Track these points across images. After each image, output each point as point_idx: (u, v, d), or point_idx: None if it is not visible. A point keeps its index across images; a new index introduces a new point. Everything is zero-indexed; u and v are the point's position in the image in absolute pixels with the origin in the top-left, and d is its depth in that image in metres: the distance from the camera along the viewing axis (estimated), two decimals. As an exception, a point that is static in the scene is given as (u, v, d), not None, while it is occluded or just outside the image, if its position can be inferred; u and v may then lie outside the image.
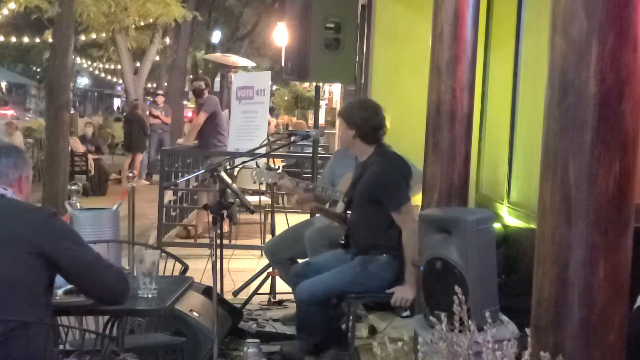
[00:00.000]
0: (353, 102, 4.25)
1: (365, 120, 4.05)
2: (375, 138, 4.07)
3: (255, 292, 5.40)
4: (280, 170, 5.68)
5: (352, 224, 4.16)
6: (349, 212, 4.23)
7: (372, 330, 4.70)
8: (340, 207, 4.40)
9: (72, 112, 15.40)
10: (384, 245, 4.00)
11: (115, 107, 45.15)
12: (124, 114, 19.61)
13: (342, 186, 4.65)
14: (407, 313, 4.65)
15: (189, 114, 20.91)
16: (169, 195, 8.75)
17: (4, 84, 34.10)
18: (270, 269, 5.43)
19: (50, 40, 12.13)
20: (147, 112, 15.85)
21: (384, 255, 4.00)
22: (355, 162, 4.42)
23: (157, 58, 20.33)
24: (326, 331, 4.12)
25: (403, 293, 3.94)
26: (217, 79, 21.61)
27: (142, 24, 16.16)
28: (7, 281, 2.50)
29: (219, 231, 4.03)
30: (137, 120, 15.02)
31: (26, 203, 2.71)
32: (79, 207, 4.93)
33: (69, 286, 2.84)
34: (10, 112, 26.71)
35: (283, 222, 6.61)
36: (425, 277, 3.12)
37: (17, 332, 2.47)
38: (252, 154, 5.18)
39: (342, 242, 4.19)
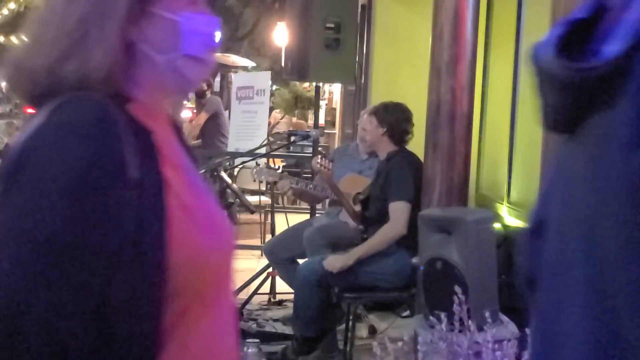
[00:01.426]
0: (388, 104, 4.33)
1: (399, 121, 4.18)
2: (401, 140, 4.22)
3: (255, 292, 5.40)
4: (280, 170, 5.69)
5: (368, 219, 4.21)
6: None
7: (372, 330, 4.70)
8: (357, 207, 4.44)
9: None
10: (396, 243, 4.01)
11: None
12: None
13: (343, 186, 4.65)
14: (407, 313, 4.65)
15: (188, 113, 20.90)
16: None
17: (4, 84, 34.13)
18: (270, 269, 5.43)
19: (50, 40, 12.13)
20: None
21: (393, 254, 4.01)
22: (372, 163, 4.52)
23: (157, 58, 20.34)
24: (319, 322, 4.14)
25: (333, 261, 4.00)
26: (217, 79, 21.62)
27: (142, 24, 16.17)
28: None
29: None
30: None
31: None
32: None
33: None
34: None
35: (283, 222, 6.61)
36: (425, 277, 3.13)
37: None
38: (252, 154, 5.18)
39: (357, 244, 4.22)
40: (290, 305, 5.31)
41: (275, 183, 5.27)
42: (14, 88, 1.12)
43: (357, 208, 4.42)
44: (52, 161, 0.96)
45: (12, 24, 19.67)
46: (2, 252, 0.96)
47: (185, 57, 1.11)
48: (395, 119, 4.20)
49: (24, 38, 1.12)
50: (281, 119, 14.03)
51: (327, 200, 5.09)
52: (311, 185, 4.80)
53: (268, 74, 9.39)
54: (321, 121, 14.18)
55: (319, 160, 4.66)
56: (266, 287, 5.54)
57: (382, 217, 4.10)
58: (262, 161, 7.71)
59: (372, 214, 4.18)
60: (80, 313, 0.94)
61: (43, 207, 0.94)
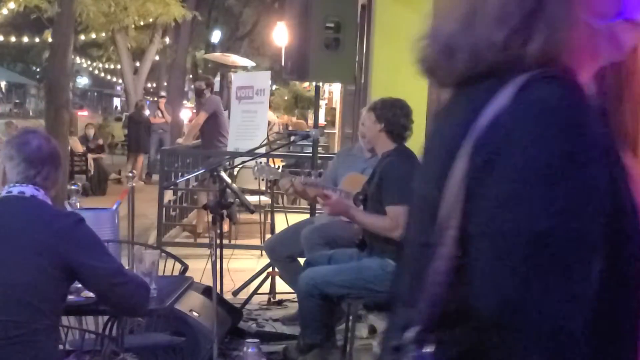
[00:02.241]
0: (386, 99, 4.26)
1: (396, 117, 4.12)
2: (400, 137, 4.12)
3: (255, 292, 5.40)
4: (280, 170, 5.68)
5: None
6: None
7: (372, 330, 4.69)
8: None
9: (74, 111, 15.38)
10: (394, 247, 3.98)
11: (114, 107, 45.19)
12: (125, 113, 19.58)
13: (344, 186, 4.65)
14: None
15: (188, 113, 20.92)
16: (168, 195, 8.75)
17: (3, 84, 34.14)
18: (270, 269, 5.43)
19: (49, 40, 12.14)
20: (148, 113, 15.90)
21: (394, 262, 3.98)
22: (374, 161, 4.54)
23: (157, 58, 20.35)
24: (327, 327, 4.11)
25: (333, 202, 4.07)
26: (217, 79, 21.62)
27: (141, 23, 16.17)
28: (25, 288, 2.46)
29: (218, 231, 4.03)
30: (144, 120, 15.04)
31: (54, 208, 2.66)
32: (78, 207, 4.93)
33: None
34: (85, 114, 27.02)
35: (283, 222, 6.61)
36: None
37: (24, 337, 2.45)
38: (252, 153, 5.18)
39: (357, 241, 4.19)
40: (290, 305, 5.31)
41: (276, 181, 5.27)
42: (439, 64, 1.02)
43: (360, 207, 4.38)
44: (534, 146, 0.86)
45: (12, 24, 19.66)
46: (481, 245, 0.88)
47: (624, 22, 1.00)
48: (392, 114, 4.12)
49: (446, 13, 1.01)
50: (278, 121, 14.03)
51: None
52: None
53: (268, 73, 9.39)
54: (321, 121, 14.22)
55: (302, 181, 4.64)
56: (266, 287, 5.54)
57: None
58: (262, 161, 7.71)
59: (370, 212, 4.14)
60: (579, 306, 0.86)
61: (531, 197, 0.86)
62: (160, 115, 15.69)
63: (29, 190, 2.57)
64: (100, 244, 2.64)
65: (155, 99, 17.86)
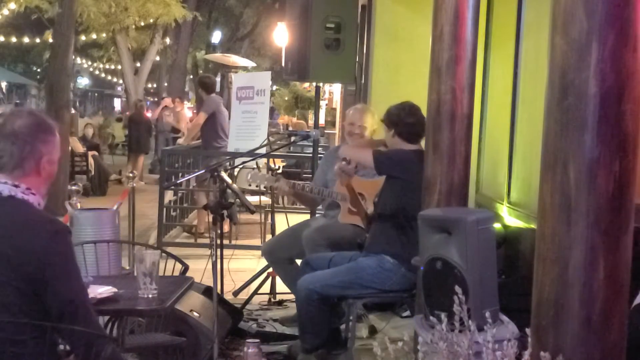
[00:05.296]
0: (392, 106, 4.24)
1: (401, 118, 4.16)
2: (413, 136, 4.15)
3: (255, 292, 5.40)
4: (279, 170, 5.69)
5: (374, 221, 4.18)
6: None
7: (372, 330, 4.69)
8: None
9: (72, 112, 15.39)
10: (394, 250, 3.98)
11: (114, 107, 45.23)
12: (124, 114, 19.57)
13: (340, 189, 4.64)
14: (407, 313, 4.65)
15: (188, 113, 20.91)
16: (169, 195, 8.75)
17: (4, 84, 34.13)
18: (271, 269, 5.43)
19: (50, 40, 12.16)
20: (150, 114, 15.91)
21: (391, 259, 3.99)
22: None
23: (157, 58, 20.35)
24: (326, 331, 4.11)
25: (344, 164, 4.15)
26: (218, 79, 21.62)
27: (142, 24, 16.19)
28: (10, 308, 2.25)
29: (219, 231, 4.03)
30: (145, 121, 15.05)
31: (32, 212, 2.30)
32: (79, 207, 4.94)
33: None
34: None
35: (283, 222, 6.61)
36: (425, 277, 3.12)
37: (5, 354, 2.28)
38: (252, 154, 5.18)
39: (360, 241, 4.18)
40: (290, 305, 5.31)
41: (270, 187, 5.27)
42: None
43: (370, 210, 4.36)
44: None
45: (13, 24, 19.66)
46: None
47: None
48: (397, 117, 4.12)
49: None
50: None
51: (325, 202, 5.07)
52: (308, 188, 4.79)
53: (268, 74, 9.39)
54: (321, 121, 14.22)
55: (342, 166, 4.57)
56: (266, 287, 5.54)
57: (382, 224, 4.08)
58: (263, 162, 7.71)
59: (374, 219, 4.14)
60: None
61: None
62: (170, 117, 15.69)
63: (6, 188, 2.25)
64: (70, 264, 2.29)
65: (154, 99, 17.88)
